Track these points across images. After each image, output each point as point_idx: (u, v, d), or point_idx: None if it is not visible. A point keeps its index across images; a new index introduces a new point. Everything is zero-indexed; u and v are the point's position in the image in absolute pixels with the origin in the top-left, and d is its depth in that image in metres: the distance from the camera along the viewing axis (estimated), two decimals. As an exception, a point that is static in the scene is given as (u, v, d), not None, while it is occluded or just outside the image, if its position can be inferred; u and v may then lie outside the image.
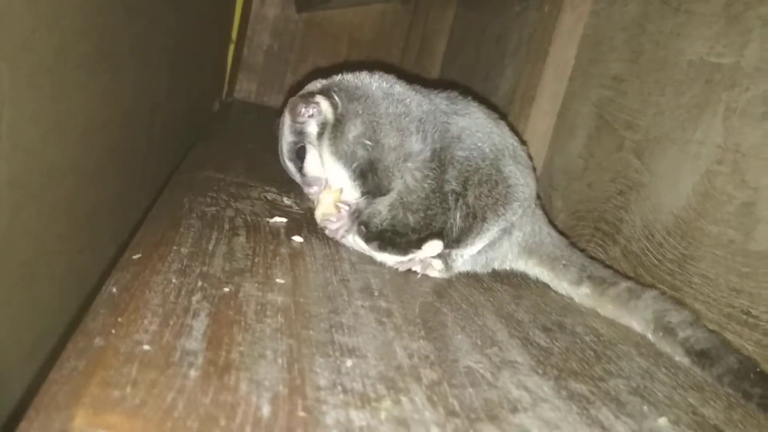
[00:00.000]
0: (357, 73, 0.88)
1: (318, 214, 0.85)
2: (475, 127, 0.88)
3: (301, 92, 0.87)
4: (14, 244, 0.87)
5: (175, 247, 0.69)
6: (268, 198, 0.98)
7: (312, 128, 0.84)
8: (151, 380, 0.44)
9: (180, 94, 1.64)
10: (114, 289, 0.58)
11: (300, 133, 0.85)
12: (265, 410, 0.44)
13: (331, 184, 0.85)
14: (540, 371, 0.61)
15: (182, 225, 0.77)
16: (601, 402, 0.58)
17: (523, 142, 0.96)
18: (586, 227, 1.13)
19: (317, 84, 0.89)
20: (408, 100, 0.85)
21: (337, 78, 0.88)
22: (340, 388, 0.49)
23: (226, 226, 0.81)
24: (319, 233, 0.88)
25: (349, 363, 0.54)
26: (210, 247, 0.72)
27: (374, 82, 0.86)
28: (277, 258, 0.75)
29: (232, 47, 2.08)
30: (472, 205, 0.84)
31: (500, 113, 0.97)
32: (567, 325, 0.77)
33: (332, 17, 2.18)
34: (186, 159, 1.21)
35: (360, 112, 0.82)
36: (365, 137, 0.81)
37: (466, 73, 1.85)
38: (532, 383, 0.58)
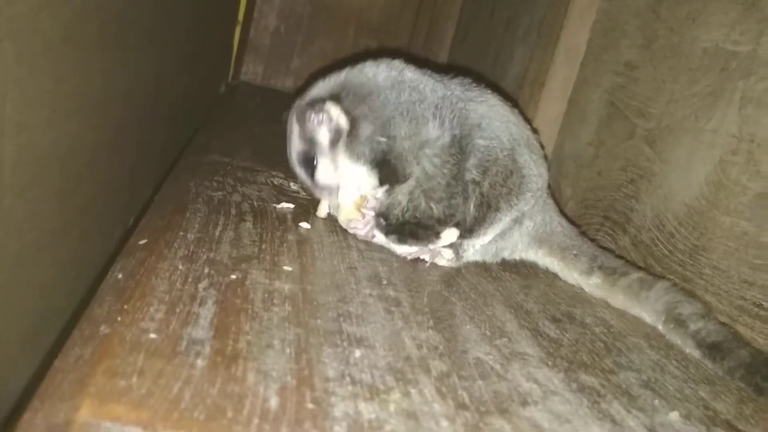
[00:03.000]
0: (361, 68, 0.84)
1: (342, 220, 0.84)
2: (494, 116, 0.86)
3: (309, 98, 0.83)
4: (18, 225, 0.86)
5: (181, 233, 0.68)
6: (275, 183, 0.97)
7: (323, 137, 0.81)
8: (158, 370, 0.44)
9: (186, 76, 1.62)
10: (120, 275, 0.57)
11: (310, 142, 0.82)
12: (273, 402, 0.43)
13: (346, 187, 0.82)
14: (550, 363, 0.61)
15: (188, 210, 0.76)
16: (612, 395, 0.58)
17: (535, 131, 0.94)
18: (595, 216, 1.12)
19: (323, 87, 0.85)
20: (422, 85, 0.83)
21: (342, 77, 0.84)
22: (348, 379, 0.49)
23: (233, 212, 0.80)
24: (327, 219, 0.87)
25: (357, 353, 0.53)
26: (217, 233, 0.71)
27: (381, 73, 0.83)
28: (285, 245, 0.74)
29: (238, 29, 2.06)
30: (487, 195, 0.83)
31: (510, 99, 0.96)
32: (577, 316, 0.76)
33: (340, -1, 2.15)
34: (192, 142, 1.20)
35: (368, 111, 0.80)
36: (378, 134, 0.79)
37: (474, 56, 1.83)
38: (542, 375, 0.58)
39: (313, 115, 0.80)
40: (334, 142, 0.81)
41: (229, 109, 1.74)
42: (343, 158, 0.81)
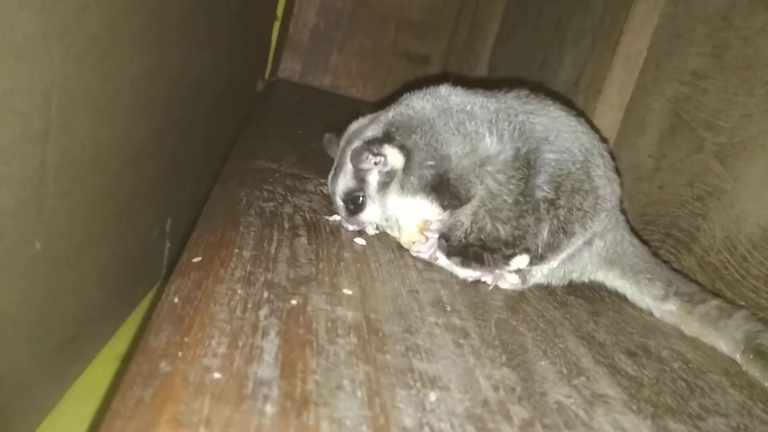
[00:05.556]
0: (407, 102, 0.82)
1: (404, 242, 0.81)
2: (561, 127, 0.81)
3: (364, 139, 0.80)
4: (61, 227, 0.84)
5: (236, 250, 0.65)
6: (325, 192, 0.93)
7: (373, 178, 0.79)
8: (226, 418, 0.40)
9: (224, 73, 1.59)
10: (176, 299, 0.53)
11: (361, 181, 0.80)
12: (351, 458, 0.39)
13: (406, 221, 0.80)
14: (634, 408, 0.56)
15: (241, 224, 0.72)
16: (705, 447, 0.53)
17: (604, 140, 0.89)
18: (655, 232, 1.06)
19: (375, 127, 0.82)
20: (469, 106, 0.80)
21: (390, 115, 0.82)
22: (427, 429, 0.44)
23: (286, 225, 0.76)
24: (381, 235, 0.83)
25: (432, 397, 0.49)
26: (272, 251, 0.67)
27: (428, 104, 0.80)
28: (342, 264, 0.70)
29: (277, 24, 2.02)
30: (564, 220, 0.77)
31: (572, 107, 0.91)
32: (652, 348, 0.71)
33: (381, -4, 2.09)
34: (235, 146, 1.17)
35: (419, 140, 0.77)
36: (428, 160, 0.77)
37: (519, 58, 1.77)
38: (629, 423, 0.53)
39: (370, 156, 0.78)
40: (383, 185, 0.79)
41: (268, 108, 1.70)
42: (393, 197, 0.79)
